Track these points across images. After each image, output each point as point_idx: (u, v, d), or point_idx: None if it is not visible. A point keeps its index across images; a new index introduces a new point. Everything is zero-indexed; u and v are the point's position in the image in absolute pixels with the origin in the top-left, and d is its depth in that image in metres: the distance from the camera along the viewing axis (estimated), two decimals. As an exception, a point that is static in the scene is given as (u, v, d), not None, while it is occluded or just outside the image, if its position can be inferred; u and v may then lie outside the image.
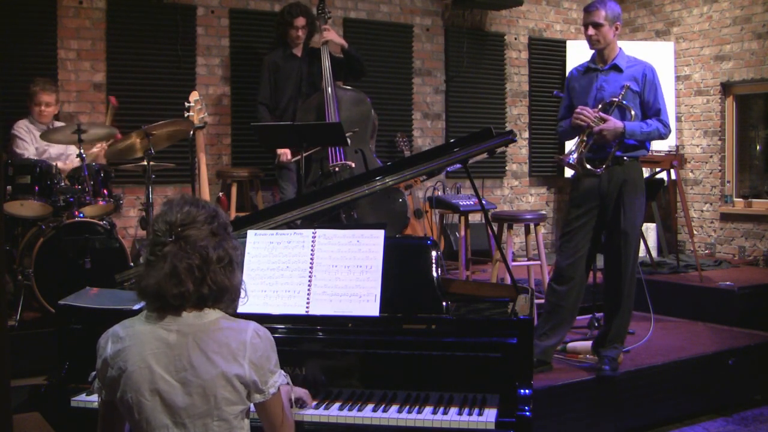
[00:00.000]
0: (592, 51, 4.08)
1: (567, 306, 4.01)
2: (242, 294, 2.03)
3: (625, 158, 3.92)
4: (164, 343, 1.89)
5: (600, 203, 3.95)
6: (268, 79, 5.67)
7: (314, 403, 2.56)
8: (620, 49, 4.06)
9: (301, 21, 5.57)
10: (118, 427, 2.01)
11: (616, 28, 3.98)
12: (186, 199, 2.01)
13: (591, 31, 3.97)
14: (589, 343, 4.26)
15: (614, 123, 3.85)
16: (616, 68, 3.99)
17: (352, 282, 2.68)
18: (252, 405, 1.96)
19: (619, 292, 3.93)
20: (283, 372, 1.99)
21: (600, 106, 3.91)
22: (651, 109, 3.97)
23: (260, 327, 1.96)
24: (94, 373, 2.00)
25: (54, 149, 5.16)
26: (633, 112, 3.90)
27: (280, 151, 5.43)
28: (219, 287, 1.92)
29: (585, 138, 3.89)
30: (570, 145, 4.05)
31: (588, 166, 3.93)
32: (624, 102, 3.90)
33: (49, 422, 2.72)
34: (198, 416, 1.86)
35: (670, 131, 4.01)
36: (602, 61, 4.03)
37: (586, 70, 4.10)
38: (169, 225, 1.92)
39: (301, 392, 2.48)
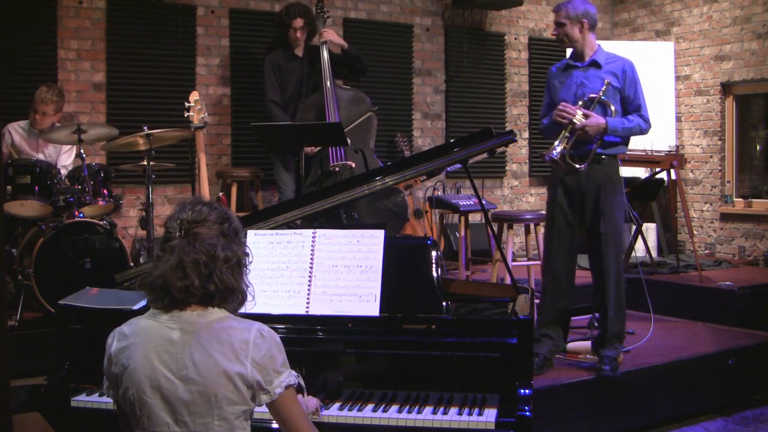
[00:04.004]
0: (568, 49, 4.12)
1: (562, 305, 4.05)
2: (249, 297, 2.03)
3: (603, 157, 3.93)
4: (167, 341, 1.89)
5: (580, 202, 3.96)
6: (272, 78, 5.66)
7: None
8: (599, 45, 4.07)
9: (299, 22, 5.57)
10: None
11: (582, 25, 3.98)
12: (200, 200, 2.03)
13: (555, 30, 4.07)
14: (589, 343, 4.26)
15: (597, 119, 3.86)
16: (595, 64, 4.00)
17: (352, 282, 2.68)
18: (266, 407, 1.95)
19: (607, 293, 3.93)
20: (294, 373, 1.97)
21: (581, 102, 3.91)
22: (631, 104, 3.99)
23: (264, 327, 1.95)
24: (105, 379, 2.01)
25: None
26: (613, 108, 3.92)
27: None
28: (226, 286, 1.93)
29: (567, 134, 3.88)
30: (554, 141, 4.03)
31: (570, 162, 3.92)
32: (604, 98, 3.91)
33: (49, 422, 2.72)
34: (199, 414, 1.86)
35: (650, 127, 4.01)
36: (580, 58, 4.04)
37: (565, 67, 4.10)
38: (180, 222, 1.94)
39: (315, 404, 2.43)
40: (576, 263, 4.09)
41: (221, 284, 1.92)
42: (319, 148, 5.28)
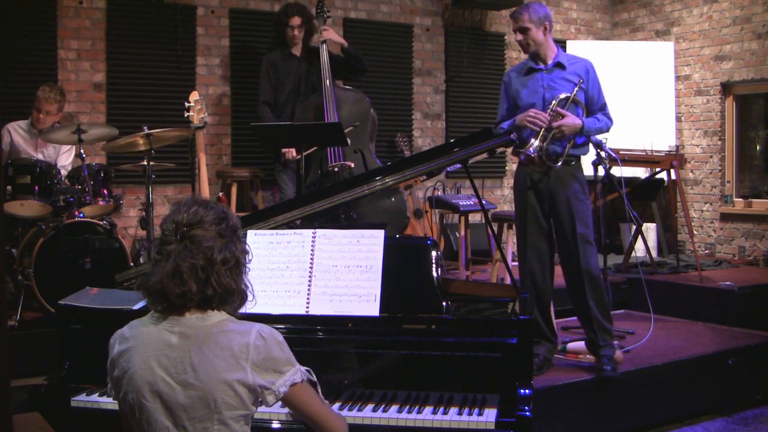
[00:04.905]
0: (533, 53, 4.05)
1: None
2: (250, 297, 2.01)
3: (573, 160, 3.95)
4: (166, 345, 1.88)
5: (550, 204, 3.96)
6: (267, 78, 5.68)
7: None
8: (558, 47, 4.07)
9: (296, 20, 5.57)
10: None
11: (545, 28, 3.97)
12: (195, 200, 1.98)
13: (519, 36, 4.00)
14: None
15: (573, 119, 3.87)
16: (560, 66, 4.00)
17: (352, 282, 2.68)
18: (265, 407, 1.94)
19: (588, 294, 3.93)
20: (302, 369, 1.95)
21: (555, 102, 3.88)
22: (596, 104, 4.02)
23: (265, 328, 1.93)
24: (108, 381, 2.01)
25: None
26: (584, 107, 3.94)
27: (285, 150, 5.43)
28: (224, 289, 1.90)
29: (544, 132, 3.85)
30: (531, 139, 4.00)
31: (545, 161, 3.89)
32: (576, 97, 3.93)
33: (49, 422, 2.72)
34: (198, 419, 1.85)
35: (613, 124, 4.06)
36: (543, 60, 4.02)
37: (527, 71, 4.06)
38: (176, 224, 1.91)
39: None
40: (552, 264, 4.08)
41: (219, 287, 1.89)
42: (300, 155, 5.28)
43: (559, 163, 3.89)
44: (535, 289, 4.00)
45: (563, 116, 3.85)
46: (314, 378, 2.00)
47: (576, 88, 3.91)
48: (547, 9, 4.04)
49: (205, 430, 1.86)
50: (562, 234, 3.97)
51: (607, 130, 4.05)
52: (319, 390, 2.03)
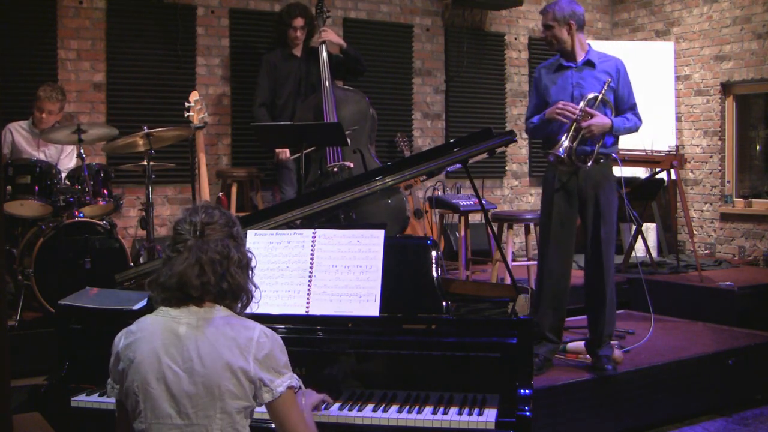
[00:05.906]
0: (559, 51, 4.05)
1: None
2: (255, 298, 2.09)
3: (601, 159, 3.93)
4: (174, 335, 1.94)
5: (579, 203, 3.95)
6: (265, 79, 5.68)
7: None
8: (589, 45, 4.06)
9: (299, 21, 5.58)
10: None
11: (570, 27, 3.94)
12: (209, 204, 2.10)
13: (543, 32, 4.03)
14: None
15: (602, 118, 3.84)
16: (590, 64, 3.98)
17: (352, 282, 2.68)
18: (264, 408, 1.97)
19: (606, 294, 3.94)
20: (296, 376, 2.01)
21: (584, 102, 3.86)
22: (626, 103, 3.99)
23: (267, 329, 2.01)
24: (110, 378, 2.04)
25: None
26: (612, 107, 3.92)
27: (278, 150, 5.45)
28: (237, 286, 1.99)
29: (573, 132, 3.84)
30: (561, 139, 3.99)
31: (575, 161, 3.88)
32: (605, 97, 3.91)
33: (49, 422, 2.72)
34: (202, 407, 1.90)
35: (642, 124, 4.04)
36: (572, 58, 4.00)
37: (557, 67, 4.04)
38: (193, 224, 2.00)
39: (318, 397, 2.48)
40: (572, 264, 4.09)
41: (233, 282, 1.98)
42: (294, 156, 5.28)
43: (589, 164, 3.87)
44: (552, 289, 3.99)
45: (592, 116, 3.82)
46: (303, 386, 2.07)
47: (604, 87, 3.88)
48: (577, 7, 3.98)
49: (207, 418, 1.90)
50: (589, 234, 3.96)
51: (636, 130, 4.02)
52: (304, 392, 2.12)
